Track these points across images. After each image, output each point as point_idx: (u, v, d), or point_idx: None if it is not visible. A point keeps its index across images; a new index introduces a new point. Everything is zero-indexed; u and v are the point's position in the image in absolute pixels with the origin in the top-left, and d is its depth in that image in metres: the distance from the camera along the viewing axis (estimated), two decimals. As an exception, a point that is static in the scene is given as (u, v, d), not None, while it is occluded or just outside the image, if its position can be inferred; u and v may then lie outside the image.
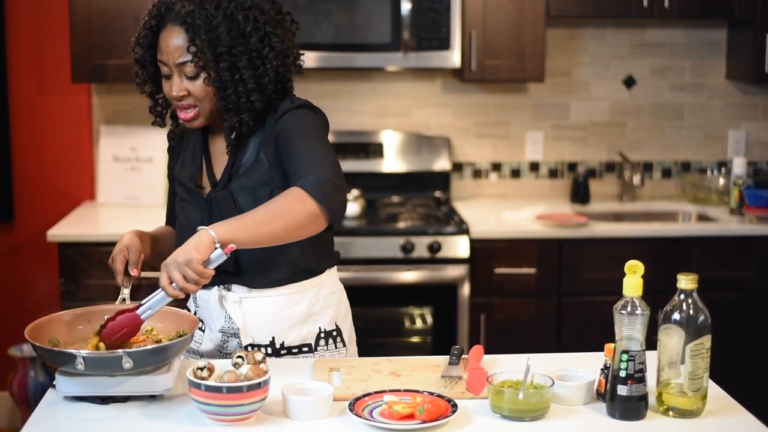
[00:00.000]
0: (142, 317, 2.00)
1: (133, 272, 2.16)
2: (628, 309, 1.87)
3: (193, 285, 1.94)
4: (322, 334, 2.29)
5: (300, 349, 2.27)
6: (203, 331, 2.30)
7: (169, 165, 2.42)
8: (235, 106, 2.14)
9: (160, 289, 1.97)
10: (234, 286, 2.22)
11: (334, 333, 2.31)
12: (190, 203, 2.27)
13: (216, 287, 2.23)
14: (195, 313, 2.32)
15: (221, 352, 2.27)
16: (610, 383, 1.91)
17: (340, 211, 2.06)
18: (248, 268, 2.20)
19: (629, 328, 1.87)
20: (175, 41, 2.13)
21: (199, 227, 1.99)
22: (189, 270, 1.92)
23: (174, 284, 1.93)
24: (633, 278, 1.88)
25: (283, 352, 2.25)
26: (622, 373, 1.88)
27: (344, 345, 2.34)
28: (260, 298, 2.23)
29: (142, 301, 2.01)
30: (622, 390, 1.88)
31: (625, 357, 1.87)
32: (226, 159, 2.25)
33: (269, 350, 2.24)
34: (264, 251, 2.10)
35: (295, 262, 2.22)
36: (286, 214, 1.99)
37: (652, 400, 1.94)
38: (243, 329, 2.22)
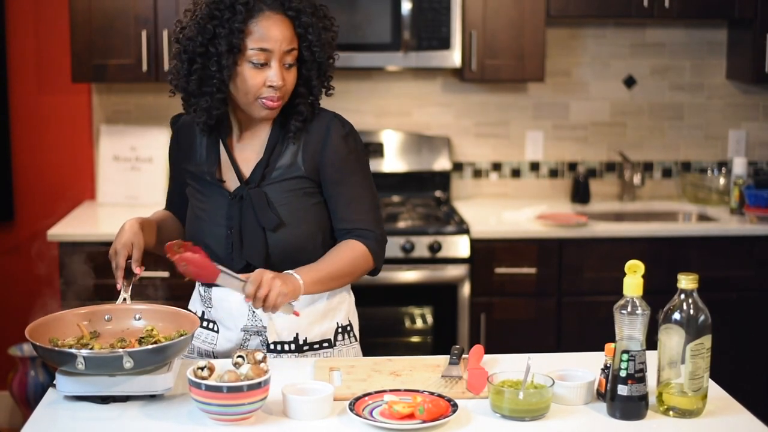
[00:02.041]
0: (218, 276, 2.06)
1: (137, 270, 2.15)
2: (629, 309, 1.87)
3: (262, 306, 2.06)
4: (340, 329, 2.32)
5: (321, 345, 2.29)
6: (216, 332, 2.29)
7: (172, 152, 2.38)
8: (309, 99, 2.22)
9: (244, 280, 2.05)
10: None
11: (348, 327, 2.35)
12: (209, 196, 2.26)
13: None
14: (203, 315, 2.32)
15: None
16: (611, 383, 1.91)
17: (382, 264, 2.32)
18: (277, 268, 2.19)
19: (629, 328, 1.87)
20: (284, 30, 2.14)
21: (289, 271, 2.13)
22: (276, 300, 2.05)
23: (259, 292, 2.04)
24: (633, 278, 1.88)
25: (305, 348, 2.26)
26: (623, 373, 1.88)
27: (356, 339, 2.37)
28: None
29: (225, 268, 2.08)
30: (622, 390, 1.88)
31: (625, 357, 1.87)
32: (250, 156, 2.25)
33: (293, 347, 2.25)
34: (295, 256, 2.21)
35: None
36: (353, 272, 2.24)
37: (652, 399, 1.94)
38: (270, 326, 2.23)
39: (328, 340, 2.30)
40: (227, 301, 2.26)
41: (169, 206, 2.45)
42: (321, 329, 2.29)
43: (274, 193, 2.22)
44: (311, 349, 2.28)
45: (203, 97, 2.17)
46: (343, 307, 2.34)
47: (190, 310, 2.35)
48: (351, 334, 2.36)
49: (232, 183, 2.26)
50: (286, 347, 2.25)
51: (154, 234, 2.28)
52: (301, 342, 2.27)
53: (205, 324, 2.32)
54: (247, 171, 2.26)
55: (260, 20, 2.12)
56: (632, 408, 1.89)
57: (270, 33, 2.13)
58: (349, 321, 2.36)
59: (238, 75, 2.15)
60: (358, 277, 2.26)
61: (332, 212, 2.28)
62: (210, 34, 2.12)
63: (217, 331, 2.30)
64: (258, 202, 2.21)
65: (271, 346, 2.25)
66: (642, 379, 1.88)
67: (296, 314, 2.12)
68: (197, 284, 2.35)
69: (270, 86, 2.14)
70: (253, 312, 2.24)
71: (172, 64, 2.22)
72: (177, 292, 3.91)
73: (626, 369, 1.87)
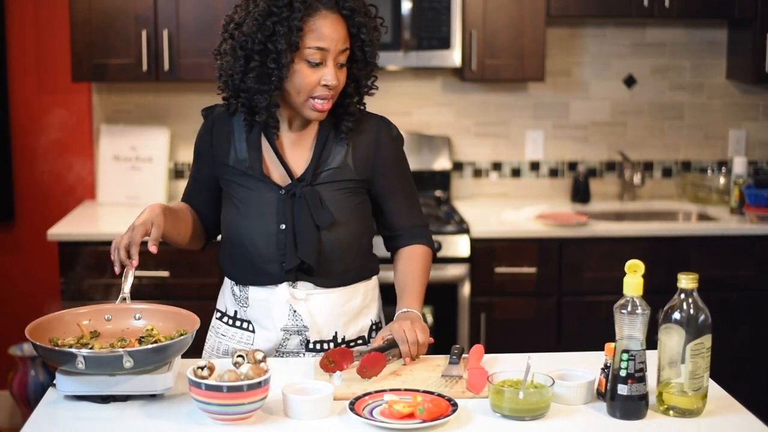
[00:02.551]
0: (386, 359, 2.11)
1: (152, 249, 2.09)
2: (629, 308, 1.87)
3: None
4: (373, 326, 2.34)
5: (356, 342, 2.30)
6: (252, 332, 2.29)
7: (204, 144, 2.32)
8: (359, 98, 2.24)
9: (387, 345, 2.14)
10: (299, 283, 2.24)
11: (379, 324, 2.38)
12: (255, 191, 2.23)
13: (285, 284, 2.23)
14: (236, 314, 2.31)
15: (278, 351, 2.27)
16: (611, 383, 1.91)
17: None
18: (326, 266, 2.22)
19: (630, 328, 1.87)
20: (340, 29, 2.14)
21: (403, 309, 2.23)
22: (418, 345, 2.14)
23: (416, 350, 2.13)
24: (633, 277, 1.88)
25: (343, 346, 2.27)
26: (623, 373, 1.88)
27: None
28: (324, 294, 2.25)
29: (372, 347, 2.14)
30: (622, 389, 1.88)
31: (625, 356, 1.87)
32: (299, 154, 2.25)
33: (332, 345, 2.27)
34: (343, 255, 2.24)
35: (360, 264, 2.31)
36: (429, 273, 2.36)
37: (652, 399, 1.94)
38: (312, 326, 2.24)
39: (362, 337, 2.32)
40: (267, 301, 2.25)
41: (187, 198, 2.39)
42: (357, 327, 2.31)
43: (325, 193, 2.23)
44: (348, 347, 2.28)
45: (262, 95, 2.15)
46: (375, 305, 2.36)
47: (219, 309, 2.36)
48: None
49: (279, 180, 2.24)
50: (326, 346, 2.26)
51: (175, 223, 2.24)
52: (339, 340, 2.28)
53: (239, 324, 2.31)
54: (296, 168, 2.25)
55: (317, 19, 2.12)
56: (632, 407, 1.89)
57: (326, 32, 2.12)
58: (380, 318, 2.39)
59: (294, 73, 2.13)
60: None
61: (386, 212, 2.34)
62: (269, 30, 2.10)
63: (253, 331, 2.29)
64: (312, 200, 2.20)
65: (311, 345, 2.26)
66: (642, 379, 1.88)
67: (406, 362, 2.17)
68: (230, 283, 2.33)
69: (324, 85, 2.14)
70: (294, 311, 2.24)
71: (224, 61, 2.18)
72: (177, 293, 3.93)
73: (626, 368, 1.87)
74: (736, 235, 4.03)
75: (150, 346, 1.93)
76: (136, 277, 2.17)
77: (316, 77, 2.13)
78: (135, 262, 2.08)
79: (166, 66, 4.00)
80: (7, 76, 4.31)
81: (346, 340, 2.29)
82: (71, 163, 4.40)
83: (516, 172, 4.55)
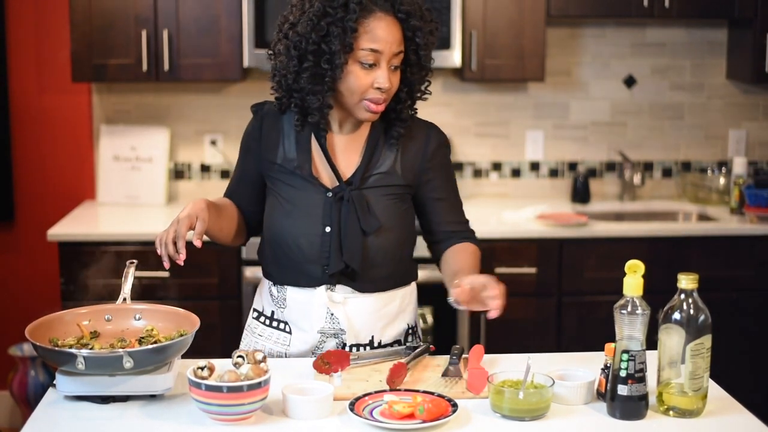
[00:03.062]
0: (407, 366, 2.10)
1: (197, 243, 2.04)
2: (629, 309, 1.87)
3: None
4: (410, 330, 2.34)
5: (392, 346, 2.29)
6: (289, 333, 2.28)
7: (252, 141, 2.29)
8: (412, 102, 2.23)
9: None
10: (338, 287, 2.23)
11: (415, 328, 2.37)
12: (302, 191, 2.21)
13: (323, 287, 2.22)
14: (272, 315, 2.30)
15: (314, 354, 2.25)
16: (611, 383, 1.91)
17: None
18: (370, 273, 2.21)
19: (630, 328, 1.87)
20: (395, 31, 2.12)
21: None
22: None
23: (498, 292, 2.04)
24: (633, 278, 1.88)
25: (334, 349, 2.25)
26: (623, 373, 1.88)
27: (420, 339, 2.38)
28: (361, 298, 2.24)
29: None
30: (622, 390, 1.88)
31: (625, 357, 1.87)
32: (349, 157, 2.24)
33: (368, 349, 2.26)
34: (387, 262, 2.23)
35: (401, 270, 2.30)
36: None
37: (652, 399, 1.94)
38: (349, 329, 2.23)
39: (398, 341, 2.31)
40: (305, 303, 2.24)
41: (230, 194, 2.36)
42: (393, 331, 2.30)
43: (373, 197, 2.22)
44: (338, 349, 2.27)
45: (315, 95, 2.14)
46: (411, 309, 2.35)
47: (256, 309, 2.35)
48: (417, 335, 2.37)
49: (327, 182, 2.23)
50: (362, 350, 2.25)
51: (218, 218, 2.21)
52: (376, 344, 2.27)
53: (275, 324, 2.30)
54: (345, 171, 2.24)
55: (372, 20, 2.10)
56: (632, 408, 1.89)
57: (381, 34, 2.10)
58: (416, 322, 2.38)
59: (347, 74, 2.12)
60: None
61: (435, 215, 2.32)
62: (323, 31, 2.09)
63: (290, 332, 2.28)
64: (360, 204, 2.19)
65: (347, 349, 2.24)
66: (642, 379, 1.88)
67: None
68: (267, 283, 2.31)
69: (377, 88, 2.12)
70: (332, 314, 2.23)
71: (279, 60, 2.17)
72: (177, 293, 3.93)
73: (626, 369, 1.87)
74: (736, 235, 4.03)
75: (150, 346, 1.93)
76: (135, 278, 2.17)
77: (369, 79, 2.12)
78: (183, 255, 2.02)
79: (166, 66, 4.00)
80: (7, 76, 4.31)
81: (382, 344, 2.27)
82: (71, 163, 4.40)
83: (516, 173, 4.55)
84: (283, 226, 2.23)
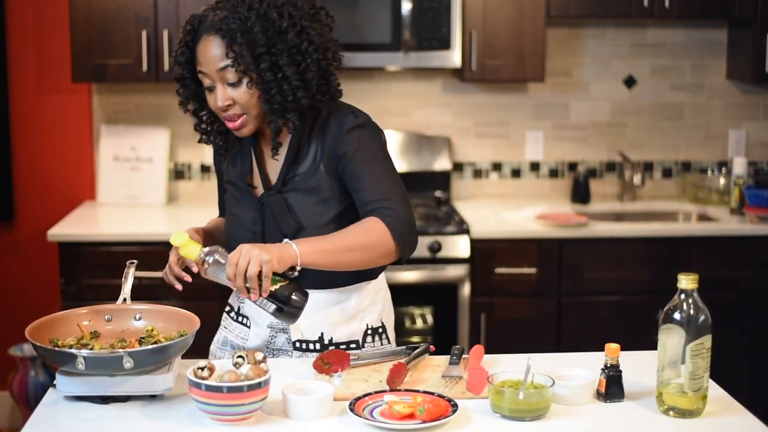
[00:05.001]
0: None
1: (194, 269, 2.08)
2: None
3: (249, 282, 1.96)
4: (369, 331, 2.31)
5: (348, 346, 2.28)
6: (248, 327, 2.31)
7: (215, 161, 2.41)
8: (281, 106, 2.13)
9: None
10: None
11: (380, 330, 2.34)
12: (241, 201, 2.27)
13: None
14: (238, 309, 2.34)
15: (268, 348, 2.29)
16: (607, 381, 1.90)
17: (411, 252, 2.18)
18: (310, 271, 2.16)
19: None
20: (213, 50, 2.11)
21: (287, 240, 2.06)
22: (258, 268, 1.95)
23: (240, 264, 1.95)
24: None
25: (331, 348, 2.25)
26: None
27: (389, 342, 2.36)
28: (311, 295, 2.19)
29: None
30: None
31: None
32: (278, 162, 2.24)
33: (318, 346, 2.25)
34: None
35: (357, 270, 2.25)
36: (366, 247, 2.10)
37: (652, 400, 1.94)
38: (293, 325, 2.22)
39: (356, 341, 2.29)
40: None
41: (221, 212, 2.46)
42: (348, 330, 2.28)
43: (295, 199, 2.21)
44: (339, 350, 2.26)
45: (210, 124, 2.27)
46: (375, 309, 2.32)
47: (229, 304, 2.39)
48: (383, 336, 2.34)
49: (260, 189, 2.27)
50: (311, 346, 2.25)
51: (211, 241, 2.26)
52: (326, 341, 2.26)
53: (239, 319, 2.34)
54: (273, 176, 2.26)
55: (199, 45, 2.14)
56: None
57: (201, 56, 2.14)
58: (382, 323, 2.34)
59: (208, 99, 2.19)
60: (378, 256, 2.12)
61: (356, 201, 2.20)
62: (180, 62, 2.19)
63: (249, 327, 2.32)
64: (278, 208, 2.20)
65: (296, 345, 2.25)
66: None
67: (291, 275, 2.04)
68: None
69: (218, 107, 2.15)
70: None
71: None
72: (176, 293, 3.92)
73: None
74: (736, 235, 4.03)
75: (150, 346, 1.93)
76: (136, 278, 2.18)
77: (212, 101, 2.17)
78: (187, 278, 2.11)
79: (166, 66, 4.00)
80: (7, 76, 4.31)
81: (334, 341, 2.26)
82: (71, 163, 4.40)
83: (516, 173, 4.55)
84: (228, 235, 2.31)
